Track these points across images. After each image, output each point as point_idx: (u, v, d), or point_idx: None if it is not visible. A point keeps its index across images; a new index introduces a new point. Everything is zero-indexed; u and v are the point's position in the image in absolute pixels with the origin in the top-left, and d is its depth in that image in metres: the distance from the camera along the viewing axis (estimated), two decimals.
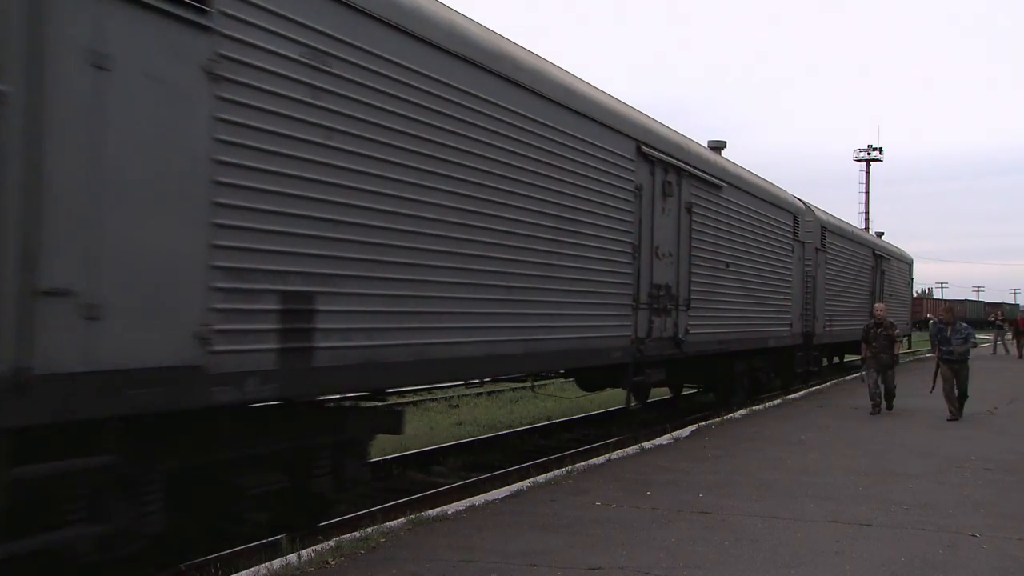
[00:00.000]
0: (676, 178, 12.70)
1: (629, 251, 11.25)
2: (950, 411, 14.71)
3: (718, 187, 14.32)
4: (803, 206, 20.55)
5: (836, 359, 29.49)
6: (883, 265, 30.22)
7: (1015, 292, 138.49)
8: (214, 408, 5.62)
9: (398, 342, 7.15)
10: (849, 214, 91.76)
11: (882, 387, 15.62)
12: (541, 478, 9.18)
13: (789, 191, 23.47)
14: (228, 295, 5.58)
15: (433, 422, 15.90)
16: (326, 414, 7.58)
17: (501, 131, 8.52)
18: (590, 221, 10.23)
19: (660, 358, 12.53)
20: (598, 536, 6.79)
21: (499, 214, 8.47)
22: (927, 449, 11.49)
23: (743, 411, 15.61)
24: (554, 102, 9.49)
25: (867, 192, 61.95)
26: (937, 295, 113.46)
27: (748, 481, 9.11)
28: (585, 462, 10.14)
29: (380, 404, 8.37)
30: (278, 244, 5.97)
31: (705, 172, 13.77)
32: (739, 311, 15.51)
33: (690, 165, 13.13)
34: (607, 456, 10.43)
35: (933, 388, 15.31)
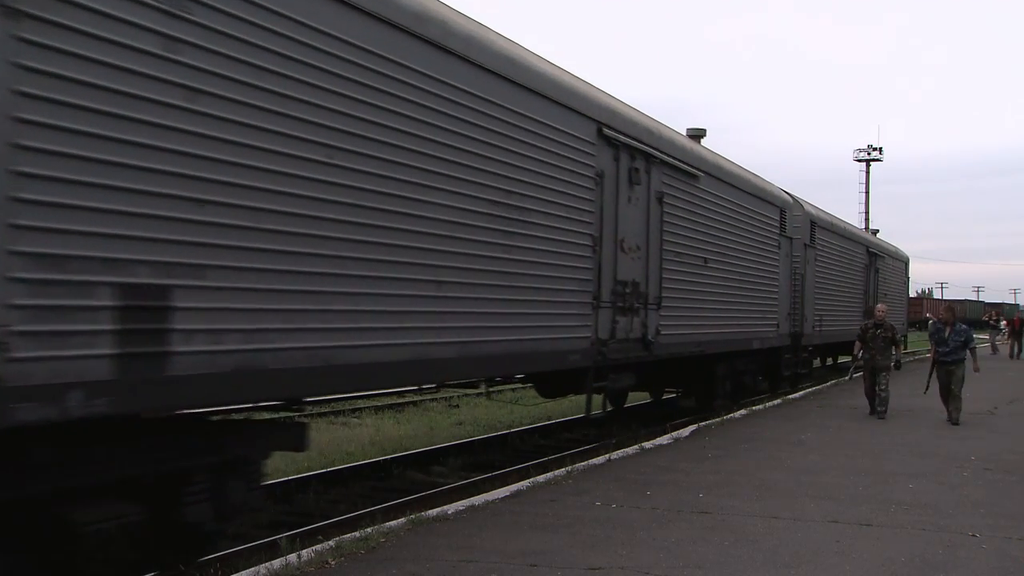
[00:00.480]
0: (645, 165, 11.57)
1: (588, 243, 10.03)
2: (949, 414, 14.29)
3: (694, 177, 13.23)
4: (790, 199, 19.37)
5: (830, 360, 28.81)
6: (877, 263, 29.12)
7: (1015, 292, 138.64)
8: (19, 429, 4.45)
9: (289, 345, 6.00)
10: (849, 214, 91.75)
11: (874, 391, 15.04)
12: (541, 478, 9.18)
13: (783, 187, 22.64)
14: (37, 288, 4.47)
15: (433, 422, 15.91)
16: (202, 430, 6.34)
17: (424, 103, 7.27)
18: (541, 210, 9.07)
19: (626, 361, 11.36)
20: (598, 536, 6.79)
21: (424, 198, 7.27)
22: (927, 449, 11.49)
23: (743, 411, 15.60)
24: (496, 74, 8.30)
25: (867, 192, 61.99)
26: (937, 295, 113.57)
27: (748, 481, 9.11)
28: (585, 462, 10.14)
29: (281, 416, 7.45)
30: (115, 226, 4.84)
31: (679, 160, 12.67)
32: (719, 310, 14.48)
33: (661, 151, 12.01)
34: (607, 456, 10.43)
35: (927, 389, 14.95)
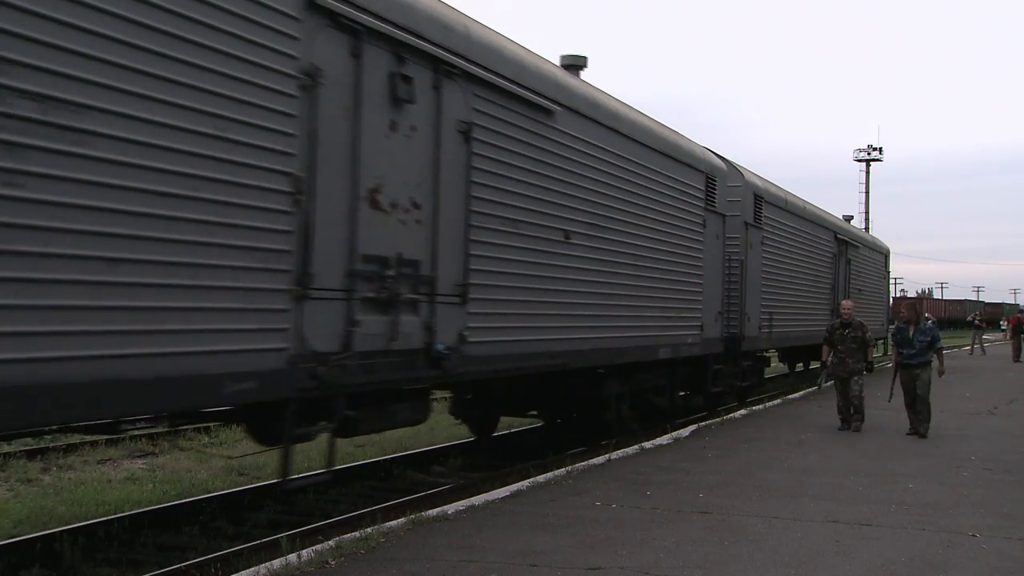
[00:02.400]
0: (431, 76, 7.66)
1: (283, 188, 6.20)
2: (911, 424, 12.76)
3: (543, 111, 9.29)
4: (721, 164, 15.29)
5: (800, 366, 25.85)
6: (849, 253, 25.08)
7: (1015, 292, 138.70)
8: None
9: None
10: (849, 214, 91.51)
11: (846, 399, 13.28)
12: (541, 478, 9.18)
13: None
14: None
15: (433, 422, 15.87)
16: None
17: None
18: (170, 122, 5.37)
19: (386, 385, 7.41)
20: (598, 536, 6.79)
21: None
22: (927, 449, 11.48)
23: (743, 411, 15.59)
24: None
25: (867, 192, 61.93)
26: (937, 295, 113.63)
27: (748, 481, 9.11)
28: (585, 462, 10.14)
29: None
30: None
31: (508, 79, 8.70)
32: (595, 307, 10.57)
33: (467, 60, 8.08)
34: (607, 456, 10.42)
35: (891, 397, 13.59)
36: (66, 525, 7.97)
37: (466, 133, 8.13)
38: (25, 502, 9.26)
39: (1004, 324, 46.59)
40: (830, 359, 13.73)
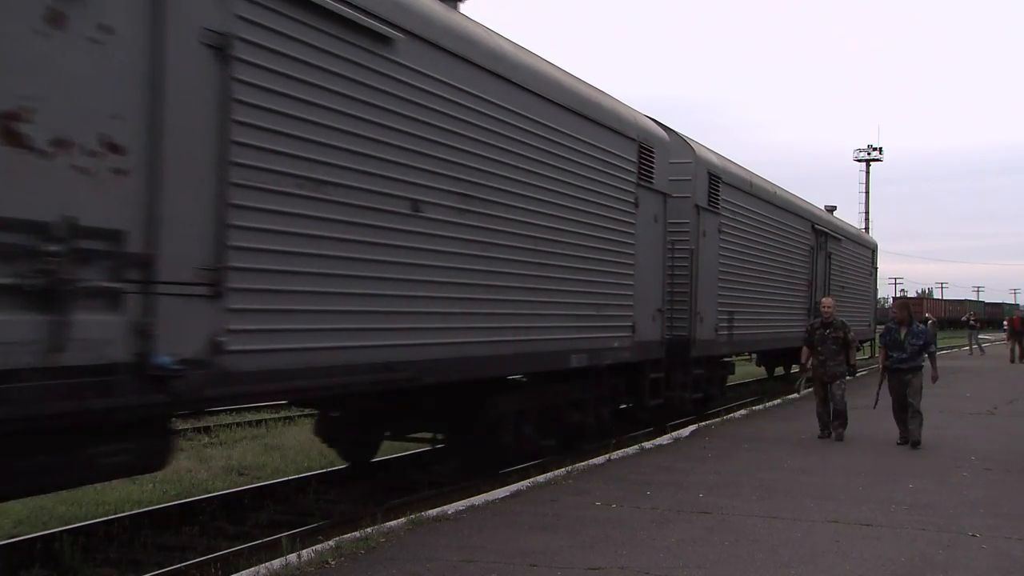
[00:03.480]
0: None
1: None
2: (903, 434, 11.81)
3: (374, 37, 7.06)
4: (662, 134, 12.90)
5: (780, 370, 24.19)
6: (830, 246, 22.60)
7: (1015, 292, 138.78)
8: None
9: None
10: (849, 214, 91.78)
11: (828, 405, 12.30)
12: (541, 478, 9.18)
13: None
14: None
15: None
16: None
17: None
18: None
19: (35, 423, 4.70)
20: (598, 536, 6.79)
21: None
22: (926, 449, 11.47)
23: (743, 411, 15.59)
24: None
25: (867, 192, 61.86)
26: (937, 295, 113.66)
27: (748, 481, 9.11)
28: (585, 462, 10.14)
29: None
30: None
31: None
32: (463, 304, 8.29)
33: None
34: (607, 456, 10.42)
35: (876, 403, 12.56)
36: (66, 525, 7.98)
37: (221, 49, 5.71)
38: (25, 502, 9.24)
39: (1005, 324, 46.45)
40: (809, 362, 12.67)
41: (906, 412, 11.73)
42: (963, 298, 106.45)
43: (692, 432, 12.81)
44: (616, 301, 11.25)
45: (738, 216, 15.91)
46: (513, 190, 9.04)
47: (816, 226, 21.33)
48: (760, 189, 17.38)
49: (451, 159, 8.05)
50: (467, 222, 8.32)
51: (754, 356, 23.33)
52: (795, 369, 21.50)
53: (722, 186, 15.02)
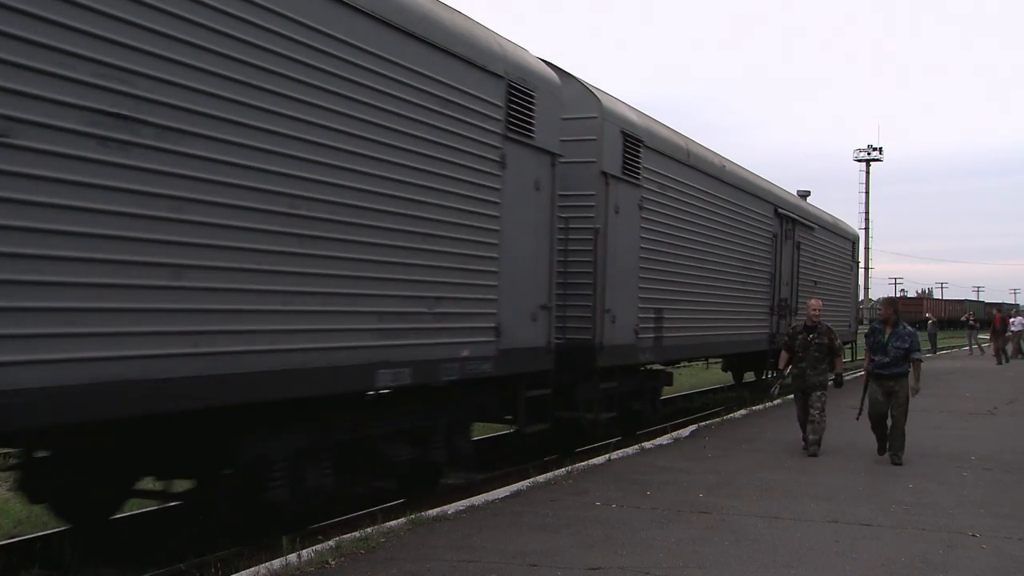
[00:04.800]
0: None
1: None
2: (882, 447, 10.56)
3: None
4: (550, 75, 9.91)
5: (751, 375, 21.29)
6: (799, 234, 19.42)
7: (1015, 292, 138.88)
8: None
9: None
10: (849, 214, 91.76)
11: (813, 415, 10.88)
12: (541, 478, 9.18)
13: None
14: None
15: None
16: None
17: None
18: None
19: None
20: (598, 536, 6.79)
21: None
22: (927, 449, 11.47)
23: (743, 411, 15.58)
24: None
25: (867, 192, 61.87)
26: (937, 295, 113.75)
27: (748, 481, 9.12)
28: (585, 462, 10.13)
29: None
30: None
31: None
32: (144, 296, 5.25)
33: None
34: (607, 456, 10.42)
35: (860, 414, 10.80)
36: (66, 525, 7.96)
37: None
38: (25, 502, 9.23)
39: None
40: (788, 369, 11.35)
41: (884, 425, 10.45)
42: (963, 298, 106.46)
43: (692, 432, 12.80)
44: (466, 295, 8.28)
45: (669, 191, 12.76)
46: (245, 120, 5.88)
47: (780, 210, 18.16)
48: (701, 160, 14.11)
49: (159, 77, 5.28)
50: (160, 166, 5.32)
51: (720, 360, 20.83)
52: (771, 375, 19.11)
53: (645, 151, 11.90)
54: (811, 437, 10.88)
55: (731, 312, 15.46)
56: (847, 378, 11.99)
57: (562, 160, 10.01)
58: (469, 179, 8.30)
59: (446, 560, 6.08)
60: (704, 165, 14.27)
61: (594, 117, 10.88)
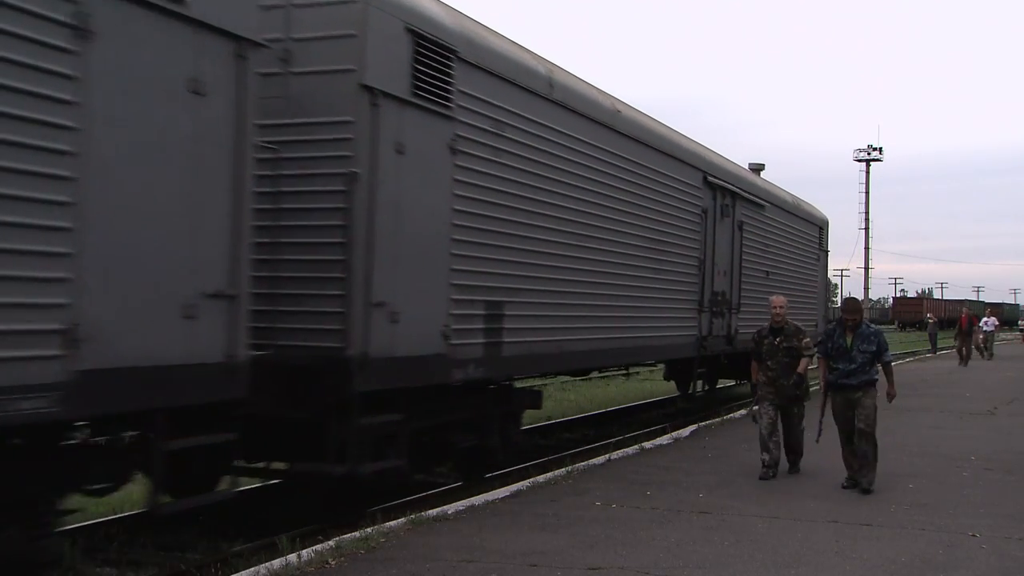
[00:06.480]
0: None
1: None
2: (848, 469, 8.96)
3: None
4: None
5: (701, 386, 16.28)
6: (741, 212, 15.59)
7: (1015, 292, 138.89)
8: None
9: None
10: (849, 214, 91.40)
11: (779, 434, 9.49)
12: (541, 478, 9.18)
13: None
14: None
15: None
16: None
17: None
18: None
19: None
20: (598, 536, 6.79)
21: None
22: (927, 449, 11.48)
23: (743, 411, 15.56)
24: None
25: (867, 192, 61.93)
26: (937, 295, 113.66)
27: (748, 481, 9.12)
28: (585, 462, 10.14)
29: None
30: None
31: None
32: None
33: None
34: (607, 456, 10.42)
35: (819, 435, 9.11)
36: (66, 525, 7.95)
37: None
38: None
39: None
40: (760, 378, 9.68)
41: (853, 444, 8.87)
42: (963, 298, 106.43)
43: (692, 432, 12.81)
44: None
45: (514, 132, 8.99)
46: None
47: (711, 179, 14.18)
48: (575, 97, 10.29)
49: None
50: None
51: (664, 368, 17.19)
52: (726, 383, 17.84)
53: (461, 68, 8.12)
54: (789, 456, 9.64)
55: (630, 308, 11.68)
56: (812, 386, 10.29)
57: (287, 65, 7.03)
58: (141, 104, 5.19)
59: (446, 560, 6.08)
60: (580, 104, 10.36)
61: (352, 1, 7.07)
